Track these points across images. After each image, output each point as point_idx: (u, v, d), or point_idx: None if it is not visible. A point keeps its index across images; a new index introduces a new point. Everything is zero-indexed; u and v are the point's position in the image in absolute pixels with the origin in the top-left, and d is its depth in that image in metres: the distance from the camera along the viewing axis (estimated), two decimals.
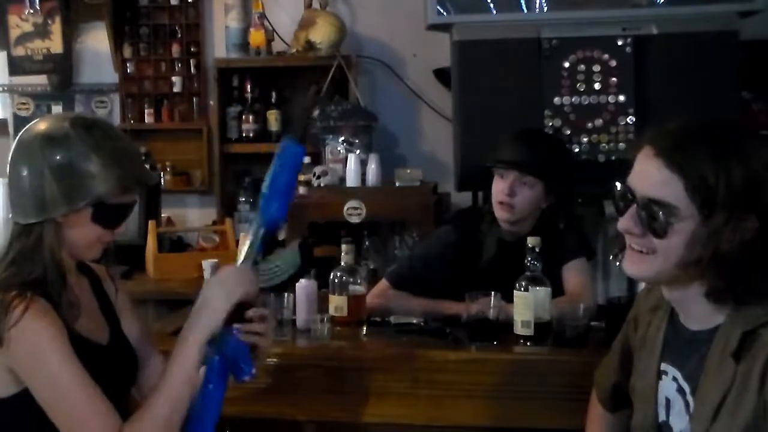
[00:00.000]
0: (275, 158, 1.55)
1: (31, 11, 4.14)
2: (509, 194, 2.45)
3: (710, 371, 1.34)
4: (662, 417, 1.46)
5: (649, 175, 1.33)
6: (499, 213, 2.48)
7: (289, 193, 1.56)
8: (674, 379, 1.44)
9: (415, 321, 2.38)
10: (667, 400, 1.45)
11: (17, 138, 1.60)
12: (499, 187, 2.48)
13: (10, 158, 1.59)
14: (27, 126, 1.61)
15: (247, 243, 1.56)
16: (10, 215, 1.58)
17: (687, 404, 1.40)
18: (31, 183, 1.54)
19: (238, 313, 1.57)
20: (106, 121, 1.68)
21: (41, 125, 1.58)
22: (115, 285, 1.77)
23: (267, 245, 1.58)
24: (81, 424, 1.47)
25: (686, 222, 1.30)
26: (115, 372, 1.64)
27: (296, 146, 1.56)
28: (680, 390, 1.42)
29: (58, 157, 1.53)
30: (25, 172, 1.55)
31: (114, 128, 1.65)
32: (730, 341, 1.31)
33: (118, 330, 1.70)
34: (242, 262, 1.55)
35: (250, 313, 1.55)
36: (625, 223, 1.37)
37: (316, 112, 3.71)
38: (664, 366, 1.46)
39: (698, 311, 1.39)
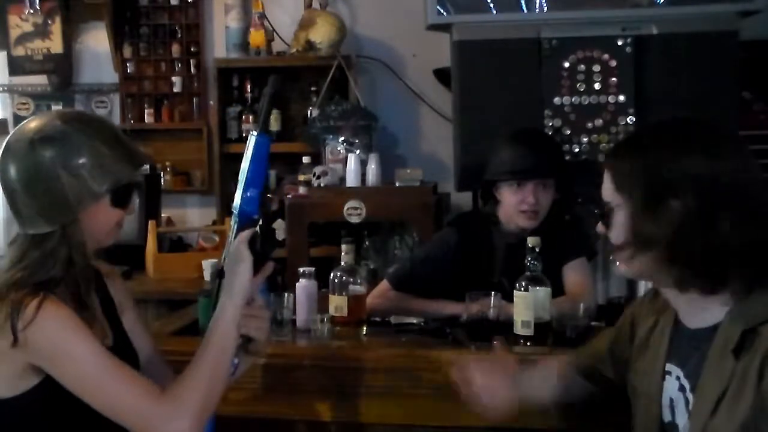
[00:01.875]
0: (245, 152, 1.59)
1: (31, 11, 4.14)
2: (534, 202, 2.44)
3: (710, 368, 1.36)
4: (668, 417, 1.47)
5: (603, 182, 1.47)
6: (524, 222, 2.47)
7: (260, 185, 1.59)
8: (677, 378, 1.45)
9: (415, 321, 2.38)
10: (671, 400, 1.46)
11: (5, 159, 1.55)
12: (518, 197, 2.46)
13: (8, 177, 1.55)
14: (6, 145, 1.55)
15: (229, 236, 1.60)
16: (23, 229, 1.54)
17: (687, 401, 1.41)
18: (48, 189, 1.51)
19: None
20: (87, 112, 1.70)
21: (28, 134, 1.53)
22: (115, 281, 1.76)
23: (268, 238, 1.59)
24: (126, 407, 1.47)
25: (620, 212, 1.41)
26: None
27: (261, 137, 1.58)
28: (681, 388, 1.43)
29: (68, 155, 1.52)
30: (37, 181, 1.52)
31: (98, 116, 1.67)
32: (731, 338, 1.33)
33: (120, 330, 1.70)
34: (224, 255, 1.59)
35: (246, 306, 1.57)
36: (597, 228, 1.49)
37: (314, 112, 3.72)
38: (668, 366, 1.47)
39: (693, 308, 1.41)
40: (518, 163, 2.48)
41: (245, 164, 1.58)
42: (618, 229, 1.42)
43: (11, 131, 1.58)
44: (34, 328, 1.45)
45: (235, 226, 1.58)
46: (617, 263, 1.47)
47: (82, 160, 1.52)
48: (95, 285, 1.69)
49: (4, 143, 1.58)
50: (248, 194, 1.57)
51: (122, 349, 1.66)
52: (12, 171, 1.54)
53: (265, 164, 1.59)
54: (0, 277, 1.53)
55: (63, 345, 1.46)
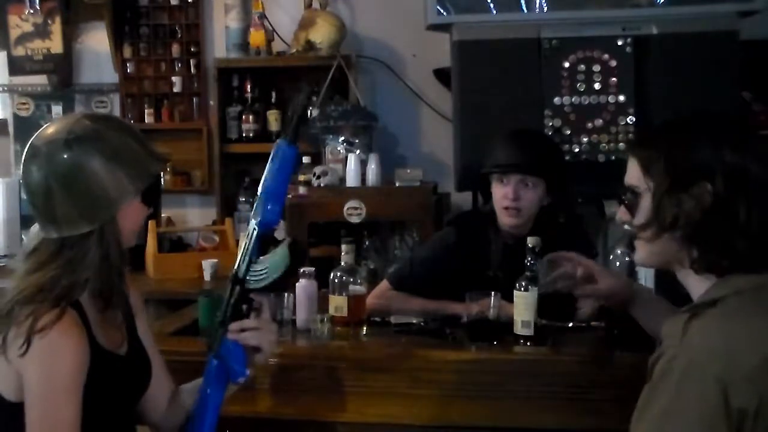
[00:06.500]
0: (269, 160, 1.57)
1: (31, 11, 4.14)
2: (514, 198, 2.44)
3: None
4: None
5: (627, 170, 1.51)
6: (506, 219, 2.47)
7: (283, 195, 1.58)
8: None
9: (415, 321, 2.38)
10: None
11: (36, 163, 1.51)
12: (501, 193, 2.47)
13: (40, 181, 1.50)
14: (33, 149, 1.52)
15: (243, 245, 1.58)
16: (58, 233, 1.50)
17: None
18: (89, 188, 1.49)
19: (238, 314, 1.58)
20: (108, 113, 1.70)
21: (59, 135, 1.50)
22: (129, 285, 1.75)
23: (264, 245, 1.58)
24: None
25: (646, 196, 1.43)
26: (130, 381, 1.63)
27: (289, 148, 1.57)
28: None
29: (105, 152, 1.50)
30: (77, 181, 1.49)
31: (118, 116, 1.67)
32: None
33: (135, 337, 1.69)
34: (238, 263, 1.56)
35: (252, 315, 1.56)
36: (617, 213, 1.52)
37: (314, 112, 3.71)
38: None
39: (700, 294, 1.43)
40: (503, 157, 2.49)
41: (269, 173, 1.56)
42: (642, 213, 1.44)
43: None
44: (38, 343, 1.42)
45: (254, 233, 1.56)
46: (637, 249, 1.49)
47: (118, 157, 1.51)
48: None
49: (30, 148, 1.53)
50: (269, 206, 1.56)
51: (136, 358, 1.65)
52: (46, 174, 1.49)
53: (289, 176, 1.58)
54: (25, 280, 1.50)
55: (46, 373, 1.43)
